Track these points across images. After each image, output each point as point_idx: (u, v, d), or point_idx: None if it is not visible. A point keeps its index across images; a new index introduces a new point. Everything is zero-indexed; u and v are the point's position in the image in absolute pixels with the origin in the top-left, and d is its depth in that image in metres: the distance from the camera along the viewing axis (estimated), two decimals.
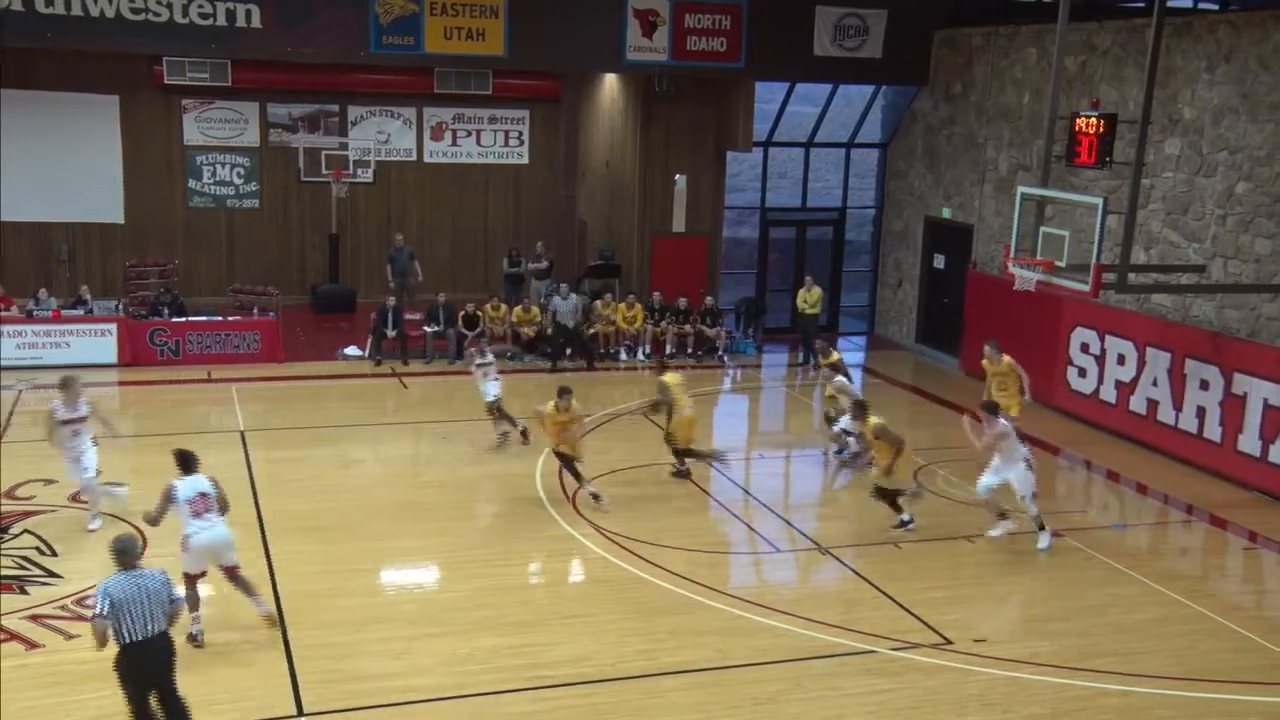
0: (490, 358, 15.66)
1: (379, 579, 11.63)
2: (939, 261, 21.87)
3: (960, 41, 20.81)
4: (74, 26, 17.54)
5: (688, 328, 21.20)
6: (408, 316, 20.20)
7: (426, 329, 19.97)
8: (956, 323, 20.66)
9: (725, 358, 21.09)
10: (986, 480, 12.54)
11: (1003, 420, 12.62)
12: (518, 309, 20.62)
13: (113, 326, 18.86)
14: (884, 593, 11.34)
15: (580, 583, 11.87)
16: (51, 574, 10.98)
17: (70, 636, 9.79)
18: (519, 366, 19.69)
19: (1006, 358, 14.91)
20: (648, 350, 20.86)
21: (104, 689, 8.96)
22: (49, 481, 13.30)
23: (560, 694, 9.30)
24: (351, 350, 19.92)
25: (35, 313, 18.68)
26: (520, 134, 24.69)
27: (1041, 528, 12.60)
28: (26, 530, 11.97)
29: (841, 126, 23.87)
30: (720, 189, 23.05)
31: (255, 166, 23.35)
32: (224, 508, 9.95)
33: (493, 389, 15.35)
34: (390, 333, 19.76)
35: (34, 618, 10.07)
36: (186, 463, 9.93)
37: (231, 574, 9.97)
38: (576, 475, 13.46)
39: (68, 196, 22.00)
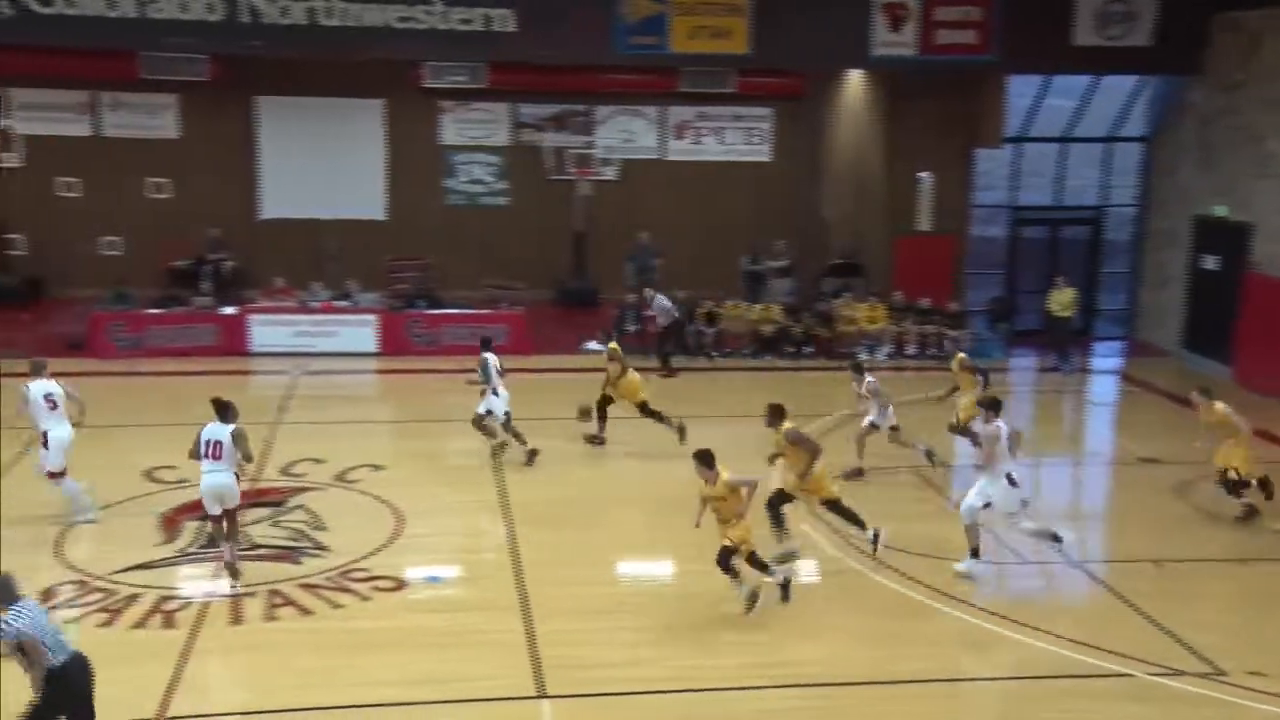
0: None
1: (620, 569, 11.88)
2: (1210, 263, 20.38)
3: (1243, 25, 19.28)
4: (347, 37, 18.72)
5: (930, 328, 20.63)
6: (648, 313, 20.54)
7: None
8: (1229, 328, 19.22)
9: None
10: (971, 501, 11.31)
11: (999, 422, 11.26)
12: (757, 307, 20.62)
13: (374, 317, 20.09)
14: (1141, 612, 10.69)
15: (815, 583, 11.75)
16: (321, 547, 11.80)
17: (337, 606, 10.51)
18: (758, 365, 19.69)
19: (1219, 406, 12.90)
20: (888, 351, 20.44)
21: (371, 658, 9.60)
22: (320, 460, 14.29)
23: (793, 694, 9.25)
24: (593, 344, 20.42)
25: (309, 304, 20.11)
26: (763, 132, 24.66)
27: (1056, 538, 11.57)
28: (301, 505, 12.92)
29: (1100, 120, 22.62)
30: (968, 186, 22.30)
31: (505, 166, 24.32)
32: (247, 458, 11.01)
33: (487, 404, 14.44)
34: (631, 329, 20.15)
35: (305, 586, 10.87)
36: (222, 411, 10.86)
37: (229, 514, 10.90)
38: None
39: (336, 195, 23.55)
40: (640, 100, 24.13)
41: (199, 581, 11.01)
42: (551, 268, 24.08)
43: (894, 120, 21.61)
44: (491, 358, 14.48)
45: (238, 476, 11.03)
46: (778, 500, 11.51)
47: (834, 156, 23.78)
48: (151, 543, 11.77)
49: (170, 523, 12.28)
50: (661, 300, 20.04)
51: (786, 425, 11.49)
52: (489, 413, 14.35)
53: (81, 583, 10.75)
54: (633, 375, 15.18)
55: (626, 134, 24.37)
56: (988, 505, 11.23)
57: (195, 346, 19.24)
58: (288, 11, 18.28)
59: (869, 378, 14.28)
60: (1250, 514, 12.77)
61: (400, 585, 11.04)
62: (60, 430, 12.16)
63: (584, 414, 15.23)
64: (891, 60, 19.87)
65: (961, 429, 14.55)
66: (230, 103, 22.68)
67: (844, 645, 10.05)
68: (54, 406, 12.15)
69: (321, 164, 23.35)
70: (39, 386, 12.15)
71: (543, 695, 9.20)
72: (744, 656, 9.81)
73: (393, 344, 20.01)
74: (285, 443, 15.02)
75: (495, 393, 14.34)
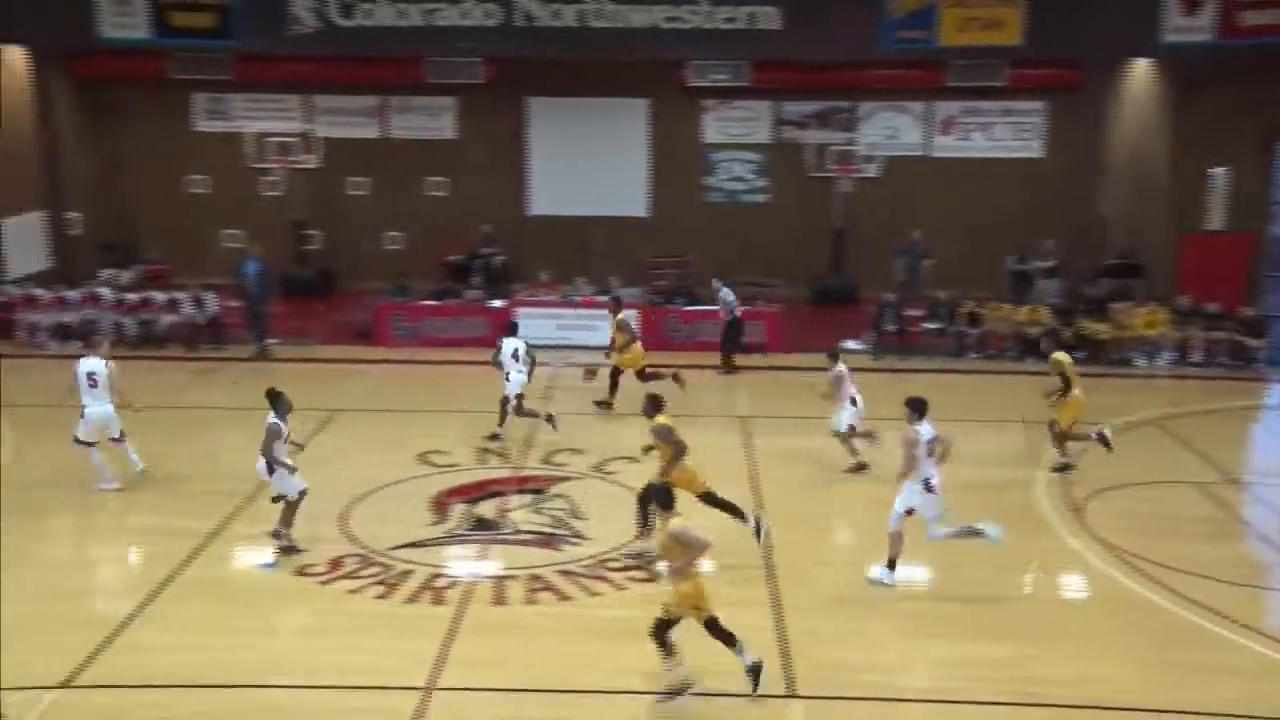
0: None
1: (871, 572, 11.65)
2: None
3: None
4: (615, 38, 19.24)
5: (1219, 334, 19.12)
6: (909, 312, 20.03)
7: (927, 325, 19.69)
8: None
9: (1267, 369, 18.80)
10: (897, 508, 10.87)
11: (919, 426, 10.75)
12: (1024, 309, 19.73)
13: (634, 313, 20.50)
14: None
15: (1082, 600, 11.15)
16: (580, 535, 12.17)
17: (594, 594, 10.82)
18: (1019, 369, 18.85)
19: None
20: (1171, 358, 19.10)
21: (625, 646, 9.81)
22: (579, 451, 14.75)
23: (1053, 714, 8.80)
24: (850, 343, 20.12)
25: (571, 298, 20.79)
26: (1034, 126, 23.55)
27: (891, 564, 10.93)
28: (560, 494, 13.37)
29: None
30: (1268, 182, 20.50)
31: (766, 163, 24.30)
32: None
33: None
34: (890, 328, 19.72)
35: (565, 573, 11.24)
36: (274, 401, 11.35)
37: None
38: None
39: (600, 193, 24.21)
40: (906, 96, 23.56)
41: (466, 562, 11.58)
42: (809, 266, 23.87)
43: (1182, 110, 20.16)
44: (515, 342, 15.24)
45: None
46: (645, 496, 11.37)
47: (1113, 151, 22.41)
48: (423, 523, 12.47)
49: (441, 505, 12.98)
50: (726, 293, 19.54)
51: (658, 419, 11.49)
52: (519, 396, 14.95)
53: (363, 556, 11.52)
54: (637, 348, 16.49)
55: (890, 130, 23.85)
56: (910, 512, 10.86)
57: (466, 337, 20.25)
58: (559, 14, 18.99)
59: (839, 367, 14.13)
60: None
61: (655, 578, 11.21)
62: (95, 407, 12.87)
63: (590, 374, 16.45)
64: (1185, 46, 18.57)
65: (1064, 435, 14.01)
66: (503, 104, 23.74)
67: (1110, 667, 9.46)
68: (94, 385, 12.86)
69: (588, 162, 24.05)
70: (85, 364, 12.95)
71: (792, 694, 9.15)
72: (1000, 671, 9.41)
73: (652, 340, 20.38)
74: (547, 432, 15.57)
75: (508, 377, 15.01)
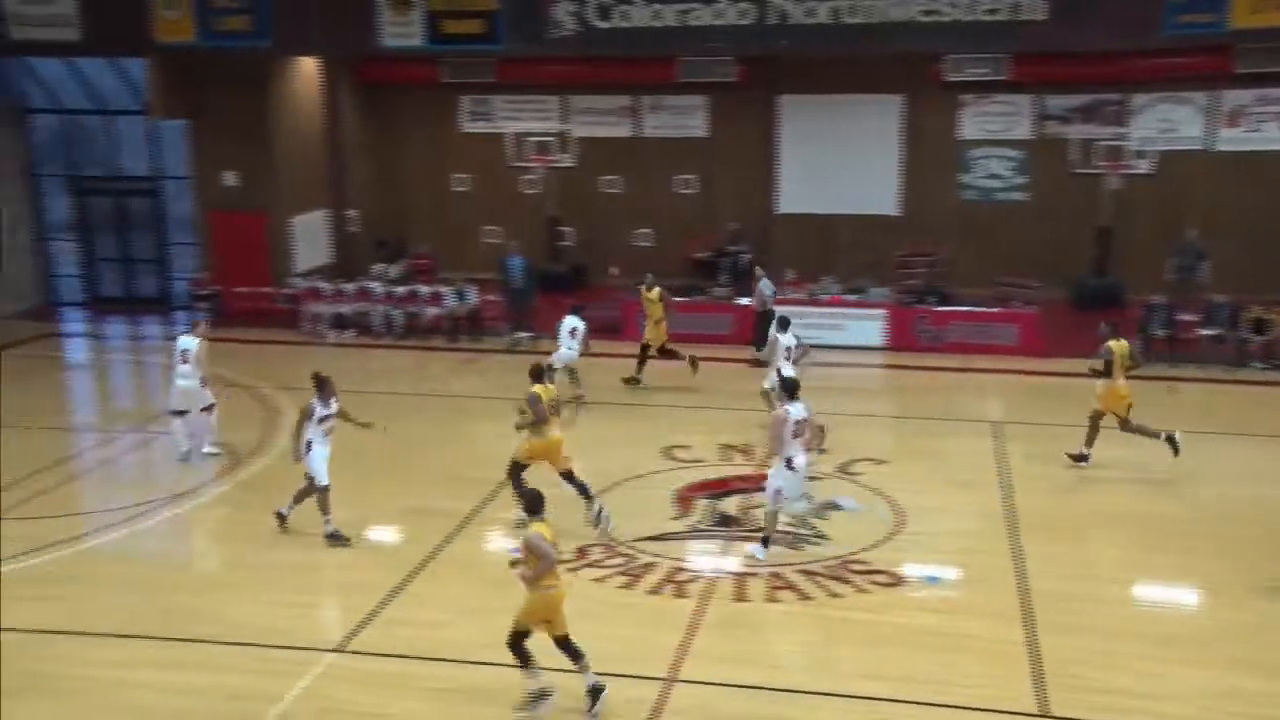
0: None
1: (1130, 590, 11.02)
2: None
3: None
4: (869, 33, 18.89)
5: None
6: (1184, 317, 18.73)
7: (1202, 331, 18.36)
8: None
9: None
10: (769, 487, 11.41)
11: (786, 407, 11.19)
12: None
13: (882, 312, 20.15)
14: None
15: None
16: (822, 535, 12.06)
17: (835, 595, 10.70)
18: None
19: None
20: None
21: (866, 649, 9.69)
22: (822, 450, 14.56)
23: None
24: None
25: (818, 297, 20.59)
26: None
27: (765, 541, 11.44)
28: (803, 493, 13.24)
29: None
30: None
31: (1025, 159, 23.29)
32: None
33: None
34: (1159, 333, 18.51)
35: (806, 573, 11.17)
36: (320, 387, 11.72)
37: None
38: None
39: (850, 191, 23.84)
40: (1186, 86, 21.99)
41: (708, 557, 11.69)
42: (1070, 266, 22.72)
43: None
44: (574, 320, 16.39)
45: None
46: (515, 469, 11.91)
47: None
48: (667, 516, 12.67)
49: (684, 499, 13.15)
50: (765, 284, 18.98)
51: (533, 388, 11.89)
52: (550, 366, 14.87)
53: (608, 546, 11.83)
54: (663, 326, 17.55)
55: (1166, 123, 22.32)
56: (779, 491, 11.28)
57: (711, 334, 20.39)
58: (813, 11, 18.82)
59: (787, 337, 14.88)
60: None
61: (898, 581, 11.01)
62: (182, 381, 14.08)
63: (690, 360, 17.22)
64: None
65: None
66: (754, 102, 23.77)
67: None
68: (185, 361, 14.07)
69: (838, 160, 23.74)
70: (182, 341, 14.21)
71: (1046, 714, 8.75)
72: (1270, 708, 8.70)
73: (899, 339, 19.96)
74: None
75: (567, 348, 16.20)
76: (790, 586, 10.89)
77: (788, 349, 14.94)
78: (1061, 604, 10.44)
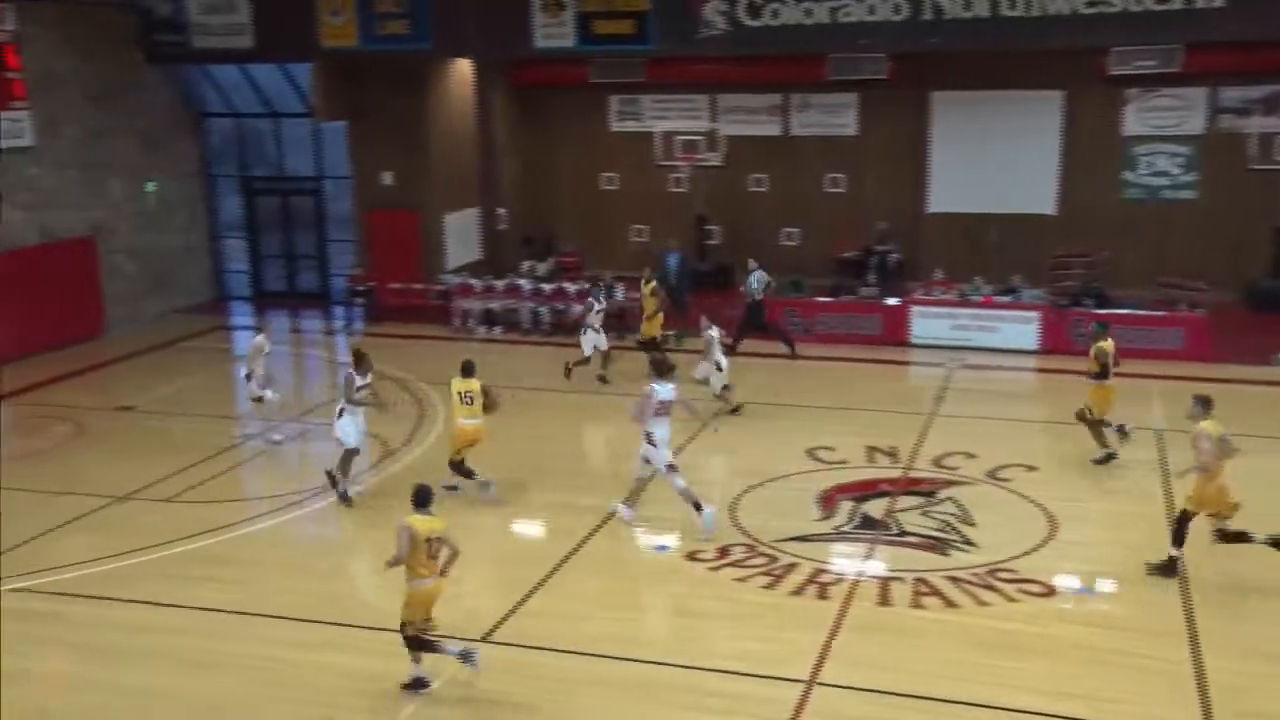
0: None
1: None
2: None
3: None
4: (1029, 28, 18.29)
5: None
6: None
7: None
8: None
9: None
10: (637, 459, 12.23)
11: (653, 385, 12.08)
12: None
13: (1036, 314, 19.50)
14: None
15: None
16: (969, 542, 11.75)
17: (982, 604, 10.41)
18: None
19: None
20: None
21: (1014, 661, 9.40)
22: (971, 455, 14.23)
23: None
24: None
25: (969, 297, 20.07)
26: None
27: (627, 502, 12.31)
28: (950, 498, 12.97)
29: None
30: None
31: (1196, 155, 22.22)
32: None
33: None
34: None
35: (952, 579, 10.90)
36: (358, 362, 13.04)
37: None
38: None
39: (1004, 190, 23.12)
40: None
41: (851, 559, 11.52)
42: (1243, 268, 21.58)
43: None
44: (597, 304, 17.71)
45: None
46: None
47: None
48: (810, 517, 12.54)
49: (828, 501, 12.99)
50: (760, 275, 19.14)
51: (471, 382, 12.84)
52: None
53: (750, 546, 11.77)
54: (658, 319, 18.10)
55: None
56: (648, 462, 12.04)
57: (859, 335, 20.11)
58: (970, 5, 18.33)
59: (712, 330, 16.12)
60: None
61: (1050, 592, 10.65)
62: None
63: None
64: None
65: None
66: (906, 100, 23.31)
67: None
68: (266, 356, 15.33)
69: (992, 158, 23.09)
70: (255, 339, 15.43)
71: None
72: None
73: (1054, 342, 19.28)
74: (938, 434, 15.19)
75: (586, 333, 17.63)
76: (936, 593, 10.64)
77: (716, 340, 16.12)
78: (1229, 623, 9.92)
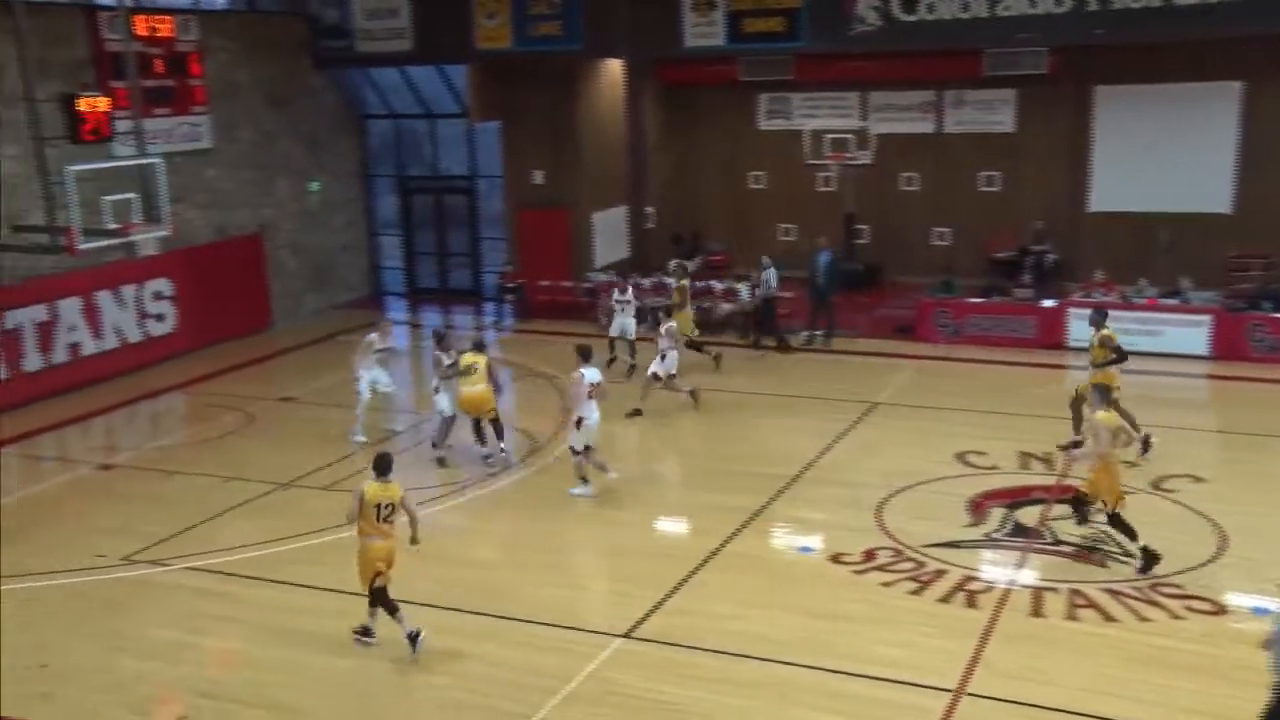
0: (630, 296, 17.91)
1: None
2: None
3: None
4: (1205, 15, 17.44)
5: None
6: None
7: None
8: None
9: None
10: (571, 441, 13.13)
11: (582, 370, 12.99)
12: None
13: (1208, 318, 18.58)
14: None
15: None
16: (1129, 554, 11.24)
17: (1144, 619, 9.97)
18: None
19: None
20: None
21: (1176, 680, 8.98)
22: (1133, 464, 13.63)
23: None
24: None
25: (1132, 299, 19.24)
26: None
27: (584, 479, 13.09)
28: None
29: None
30: None
31: None
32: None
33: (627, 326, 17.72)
34: None
35: (1111, 592, 10.47)
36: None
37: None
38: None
39: (1173, 187, 22.05)
40: None
41: (1003, 567, 11.19)
42: None
43: None
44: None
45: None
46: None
47: None
48: (960, 523, 12.22)
49: (978, 507, 12.64)
50: (770, 274, 19.53)
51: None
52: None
53: (897, 550, 11.55)
54: (686, 313, 17.96)
55: None
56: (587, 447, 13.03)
57: (1012, 337, 19.51)
58: None
59: (669, 322, 16.68)
60: None
61: (1219, 610, 10.14)
62: (371, 373, 15.38)
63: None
64: None
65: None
66: (1066, 94, 22.49)
67: None
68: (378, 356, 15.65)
69: (1160, 154, 22.05)
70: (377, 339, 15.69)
71: None
72: None
73: (1227, 347, 18.34)
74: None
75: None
76: (1093, 605, 10.24)
77: (669, 334, 16.56)
78: None
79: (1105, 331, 14.24)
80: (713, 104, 25.52)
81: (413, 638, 9.63)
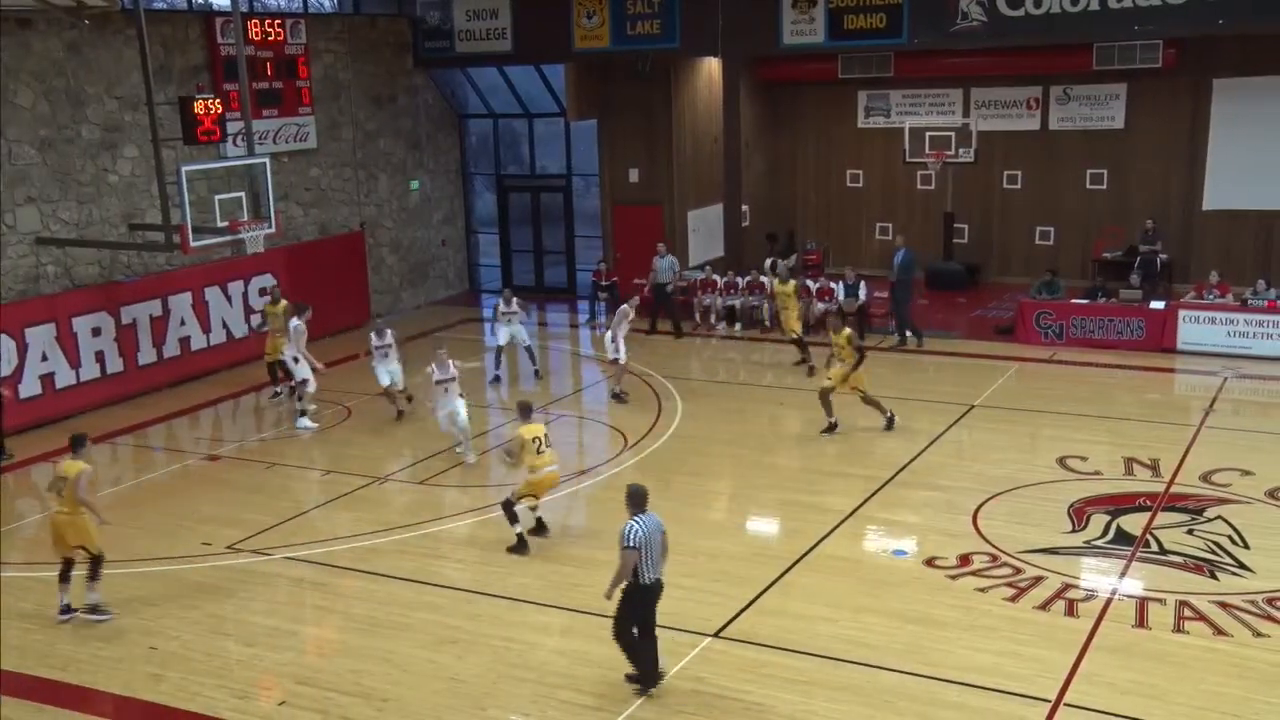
0: (389, 340, 16.44)
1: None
2: None
3: None
4: None
5: None
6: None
7: None
8: None
9: None
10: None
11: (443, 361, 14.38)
12: None
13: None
14: None
15: None
16: (1242, 566, 10.84)
17: (1259, 634, 9.58)
18: None
19: None
20: None
21: None
22: (1246, 472, 13.14)
23: None
24: None
25: (1250, 302, 18.53)
26: None
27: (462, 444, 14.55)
28: (1220, 517, 12.01)
29: None
30: None
31: None
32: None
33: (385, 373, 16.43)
34: None
35: (1222, 605, 10.09)
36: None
37: None
38: None
39: None
40: None
41: (1105, 575, 10.86)
42: None
43: None
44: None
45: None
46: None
47: None
48: (1060, 529, 11.90)
49: (1079, 513, 12.29)
50: (659, 260, 20.73)
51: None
52: None
53: (994, 555, 11.29)
54: (789, 316, 18.36)
55: None
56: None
57: (1118, 340, 18.94)
58: None
59: (630, 311, 17.07)
60: None
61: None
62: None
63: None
64: None
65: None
66: (1181, 89, 21.78)
67: None
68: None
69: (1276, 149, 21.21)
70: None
71: None
72: None
73: None
74: (1207, 448, 14.12)
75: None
76: (1202, 618, 9.87)
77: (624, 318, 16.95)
78: None
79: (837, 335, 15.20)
80: (810, 101, 25.30)
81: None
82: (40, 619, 10.67)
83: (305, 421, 16.28)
